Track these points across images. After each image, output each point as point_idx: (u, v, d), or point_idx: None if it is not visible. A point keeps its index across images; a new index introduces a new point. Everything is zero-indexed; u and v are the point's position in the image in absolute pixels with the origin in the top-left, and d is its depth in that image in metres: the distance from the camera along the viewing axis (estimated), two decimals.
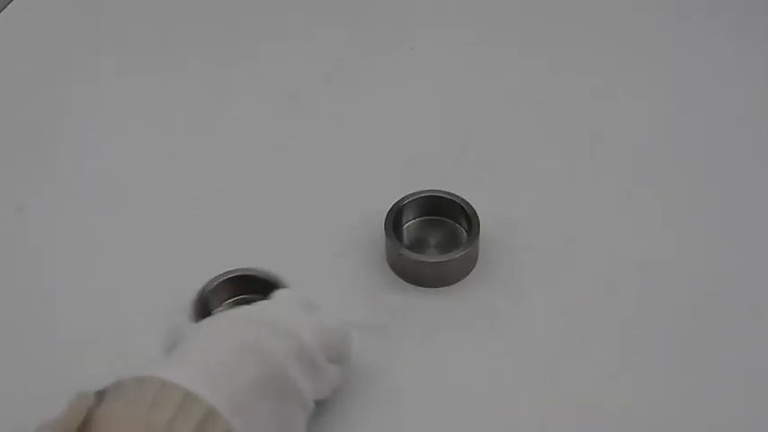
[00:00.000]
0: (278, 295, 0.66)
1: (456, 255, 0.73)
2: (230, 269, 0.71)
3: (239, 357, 0.60)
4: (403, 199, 0.75)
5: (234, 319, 0.63)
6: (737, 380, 0.69)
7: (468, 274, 0.74)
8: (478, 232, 0.74)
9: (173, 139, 0.84)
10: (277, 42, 0.91)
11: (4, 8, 0.92)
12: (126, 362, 0.68)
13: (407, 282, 0.74)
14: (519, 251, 0.76)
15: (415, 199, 0.76)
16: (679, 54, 0.89)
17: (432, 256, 0.74)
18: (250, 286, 0.71)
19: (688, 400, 0.68)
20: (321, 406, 0.64)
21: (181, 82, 0.88)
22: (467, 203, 0.75)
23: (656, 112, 0.86)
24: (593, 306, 0.73)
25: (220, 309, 0.71)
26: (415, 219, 0.77)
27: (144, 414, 0.55)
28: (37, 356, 0.69)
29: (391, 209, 0.75)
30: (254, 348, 0.60)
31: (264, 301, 0.65)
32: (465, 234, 0.75)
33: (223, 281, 0.71)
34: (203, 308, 0.70)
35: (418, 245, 0.75)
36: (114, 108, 0.86)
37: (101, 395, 0.58)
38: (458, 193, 0.76)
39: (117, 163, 0.82)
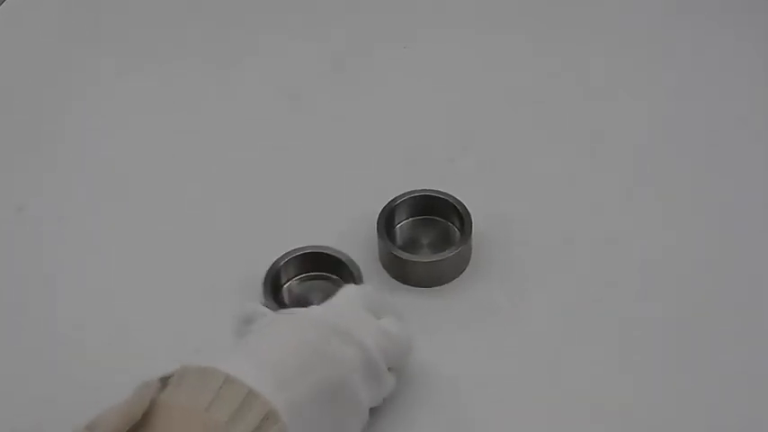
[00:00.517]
0: (347, 294, 0.66)
1: (449, 254, 0.73)
2: (299, 246, 0.73)
3: (305, 361, 0.60)
4: (395, 199, 0.75)
5: (303, 320, 0.63)
6: (737, 380, 0.69)
7: (461, 273, 0.74)
8: (471, 231, 0.73)
9: (172, 139, 0.84)
10: (275, 42, 0.91)
11: (2, 2, 0.91)
12: (126, 362, 0.69)
13: (400, 282, 0.74)
14: (513, 250, 0.76)
15: (407, 199, 0.76)
16: (679, 54, 0.89)
17: (424, 256, 0.74)
18: (319, 263, 0.73)
19: (688, 400, 0.68)
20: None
21: (180, 81, 0.88)
22: (459, 203, 0.75)
23: (656, 112, 0.86)
24: (591, 305, 0.73)
25: (289, 284, 0.73)
26: (407, 219, 0.76)
27: (204, 409, 0.55)
28: (37, 356, 0.69)
29: (384, 209, 0.74)
30: (321, 354, 0.61)
31: (334, 301, 0.65)
32: (458, 233, 0.75)
33: (293, 257, 0.72)
34: (275, 282, 0.72)
35: (411, 245, 0.75)
36: (114, 107, 0.86)
37: (164, 381, 0.58)
38: (453, 193, 0.76)
39: (117, 162, 0.82)
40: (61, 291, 0.74)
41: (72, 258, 0.76)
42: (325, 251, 0.73)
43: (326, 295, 0.72)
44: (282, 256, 0.72)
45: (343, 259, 0.72)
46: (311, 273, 0.73)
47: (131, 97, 0.87)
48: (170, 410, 0.56)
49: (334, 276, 0.73)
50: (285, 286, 0.73)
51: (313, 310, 0.64)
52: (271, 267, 0.71)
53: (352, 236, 0.75)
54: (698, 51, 0.89)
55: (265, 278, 0.71)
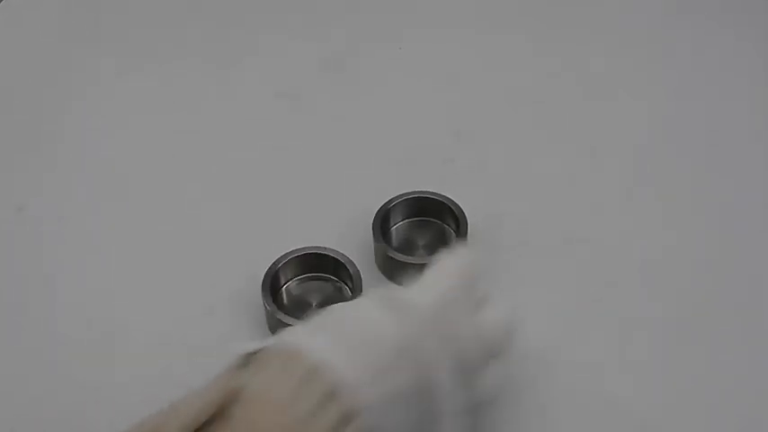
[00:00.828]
0: (447, 272, 0.62)
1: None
2: (297, 247, 0.72)
3: (395, 356, 0.57)
4: (390, 201, 0.75)
5: (403, 310, 0.59)
6: (738, 380, 0.69)
7: None
8: (467, 233, 0.73)
9: (171, 139, 0.84)
10: (274, 42, 0.91)
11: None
12: (126, 361, 0.69)
13: (396, 283, 0.73)
14: (509, 251, 0.76)
15: (402, 200, 0.75)
16: (679, 54, 0.89)
17: (419, 258, 0.74)
18: (318, 264, 0.73)
19: (687, 399, 0.68)
20: None
21: (180, 81, 0.88)
22: (455, 204, 0.75)
23: (656, 112, 0.85)
24: (590, 306, 0.73)
25: (288, 285, 0.73)
26: (403, 220, 0.76)
27: (285, 401, 0.54)
28: (37, 356, 0.69)
29: (379, 210, 0.74)
30: (414, 351, 0.57)
31: (432, 281, 0.62)
32: (454, 235, 0.75)
33: (292, 258, 0.72)
34: (273, 283, 0.71)
35: (407, 246, 0.75)
36: (114, 107, 0.86)
37: (248, 359, 0.56)
38: (450, 194, 0.76)
39: (117, 162, 0.82)
40: (61, 291, 0.73)
41: (72, 258, 0.75)
42: (323, 252, 0.73)
43: (325, 296, 0.73)
44: (281, 258, 0.72)
45: (342, 260, 0.72)
46: (310, 274, 0.73)
47: (131, 97, 0.87)
48: (249, 401, 0.54)
49: (333, 277, 0.73)
50: (284, 287, 0.73)
51: (413, 297, 0.60)
52: (269, 268, 0.71)
53: (351, 236, 0.75)
54: (698, 51, 0.89)
55: (264, 279, 0.71)
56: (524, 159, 0.83)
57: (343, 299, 0.72)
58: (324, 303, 0.72)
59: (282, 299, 0.73)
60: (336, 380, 0.54)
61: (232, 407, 0.53)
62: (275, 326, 0.70)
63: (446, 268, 0.63)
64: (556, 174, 0.81)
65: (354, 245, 0.74)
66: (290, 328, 0.60)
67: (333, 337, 0.57)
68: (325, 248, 0.73)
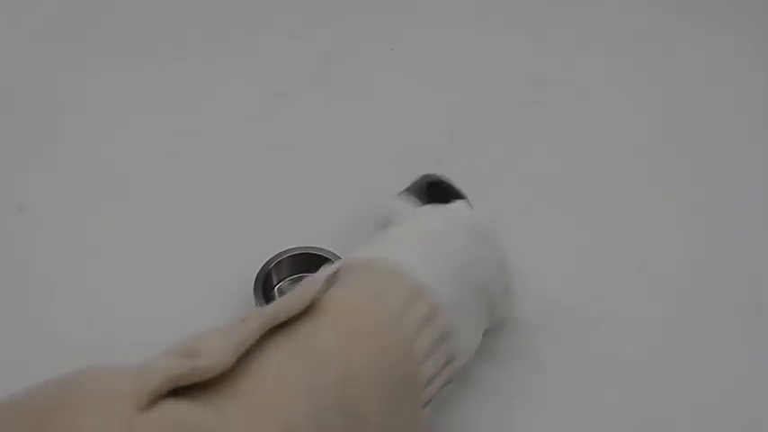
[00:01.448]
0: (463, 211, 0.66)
1: None
2: (290, 247, 0.73)
3: (464, 261, 0.61)
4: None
5: (463, 220, 0.64)
6: (738, 380, 0.69)
7: None
8: None
9: (168, 139, 0.84)
10: (272, 42, 0.91)
11: None
12: (123, 359, 0.69)
13: None
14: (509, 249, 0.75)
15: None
16: (679, 54, 0.89)
17: None
18: (310, 264, 0.73)
19: (688, 399, 0.68)
20: None
21: (177, 81, 0.88)
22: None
23: (656, 112, 0.85)
24: (589, 306, 0.73)
25: (280, 284, 0.73)
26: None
27: (372, 301, 0.56)
28: (37, 356, 0.69)
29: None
30: (475, 256, 0.62)
31: (464, 208, 0.66)
32: None
33: (284, 258, 0.73)
34: (266, 283, 0.72)
35: None
36: (113, 107, 0.86)
37: (330, 280, 0.58)
38: None
39: (117, 162, 0.82)
40: (62, 290, 0.73)
41: (71, 258, 0.75)
42: (315, 252, 0.73)
43: None
44: (274, 257, 0.72)
45: (334, 260, 0.72)
46: (302, 273, 0.73)
47: (129, 97, 0.87)
48: (340, 301, 0.56)
49: None
50: (276, 287, 0.73)
51: (462, 208, 0.66)
52: (262, 268, 0.71)
53: (343, 236, 0.75)
54: (698, 51, 0.89)
55: (256, 279, 0.71)
56: (520, 158, 0.83)
57: None
58: None
59: (275, 298, 0.72)
60: (418, 281, 0.57)
61: (319, 306, 0.55)
62: None
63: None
64: (552, 174, 0.81)
65: (347, 245, 0.74)
66: (365, 243, 0.63)
67: (410, 247, 0.61)
68: (317, 248, 0.73)
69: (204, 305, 0.72)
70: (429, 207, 0.67)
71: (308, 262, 0.73)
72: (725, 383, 0.69)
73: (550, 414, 0.67)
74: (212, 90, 0.88)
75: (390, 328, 0.56)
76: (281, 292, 0.73)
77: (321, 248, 0.73)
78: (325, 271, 0.59)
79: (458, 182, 0.79)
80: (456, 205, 0.66)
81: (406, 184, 0.75)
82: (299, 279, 0.73)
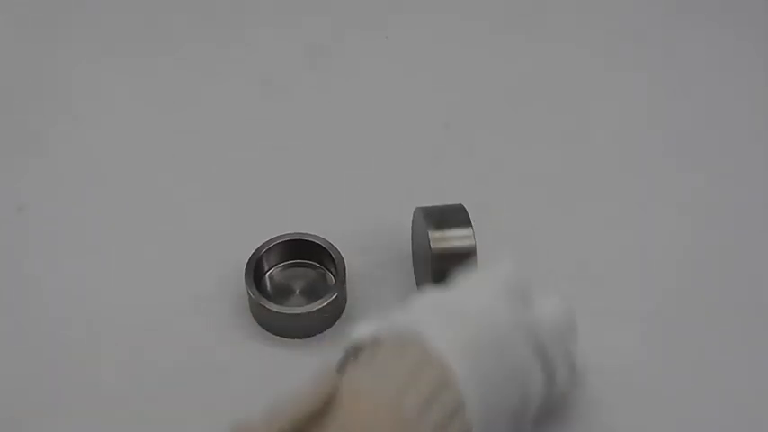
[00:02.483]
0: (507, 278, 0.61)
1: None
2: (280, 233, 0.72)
3: (504, 346, 0.57)
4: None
5: (508, 305, 0.58)
6: (736, 377, 0.69)
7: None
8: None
9: (160, 129, 0.84)
10: (259, 33, 0.91)
11: None
12: (129, 362, 0.69)
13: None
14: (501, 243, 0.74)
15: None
16: (679, 54, 0.88)
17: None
18: (301, 251, 0.73)
19: (683, 399, 0.68)
20: None
21: (169, 75, 0.88)
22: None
23: (656, 112, 0.85)
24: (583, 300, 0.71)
25: (271, 271, 0.73)
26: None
27: (394, 394, 0.53)
28: (37, 357, 0.69)
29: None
30: (515, 341, 0.57)
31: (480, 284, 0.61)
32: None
33: (275, 245, 0.72)
34: (257, 269, 0.71)
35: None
36: (108, 97, 0.86)
37: (354, 353, 0.56)
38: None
39: (105, 153, 0.83)
40: (61, 290, 0.73)
41: (72, 258, 0.75)
42: (306, 238, 0.72)
43: (308, 283, 0.73)
44: (264, 244, 0.72)
45: (325, 246, 0.72)
46: (293, 260, 0.73)
47: (116, 89, 0.87)
48: (355, 400, 0.53)
49: (317, 264, 0.73)
50: (267, 274, 0.73)
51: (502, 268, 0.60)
52: (252, 255, 0.71)
53: (335, 223, 0.75)
54: (698, 51, 0.88)
55: (247, 266, 0.71)
56: (515, 151, 0.82)
57: (326, 285, 0.72)
58: (307, 290, 0.72)
59: (266, 285, 0.72)
60: (447, 369, 0.54)
61: (336, 405, 0.52)
62: (258, 313, 0.70)
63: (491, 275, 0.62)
64: (548, 167, 0.81)
65: (338, 231, 0.74)
66: (402, 310, 0.58)
67: (450, 319, 0.56)
68: (309, 234, 0.72)
69: (195, 292, 0.72)
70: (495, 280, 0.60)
71: (299, 248, 0.73)
72: (723, 381, 0.68)
73: None
74: (200, 81, 0.88)
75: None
76: (272, 279, 0.73)
77: (313, 235, 0.72)
78: (351, 341, 0.57)
79: (454, 173, 0.80)
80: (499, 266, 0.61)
81: (400, 173, 0.76)
82: (290, 266, 0.73)
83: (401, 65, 0.89)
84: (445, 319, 0.57)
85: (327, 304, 0.69)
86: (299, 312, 0.69)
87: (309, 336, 0.68)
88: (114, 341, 0.71)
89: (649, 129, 0.84)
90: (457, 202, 0.72)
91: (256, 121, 0.85)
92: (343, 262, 0.71)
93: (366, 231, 0.76)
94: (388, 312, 0.58)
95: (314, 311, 0.69)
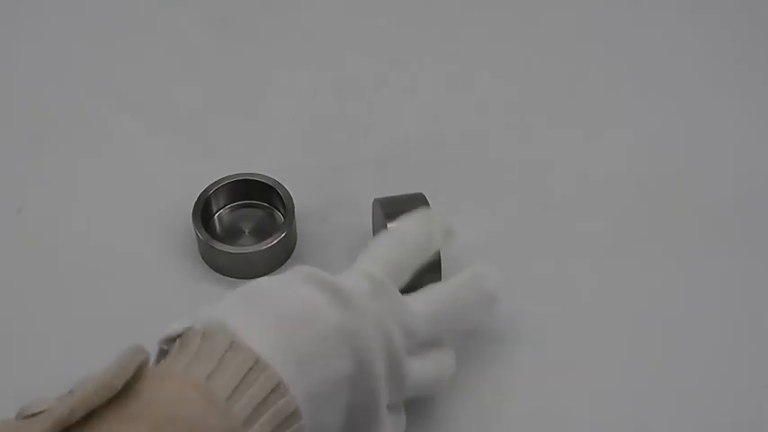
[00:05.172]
0: (391, 247, 0.61)
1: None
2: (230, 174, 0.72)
3: (327, 343, 0.54)
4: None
5: (336, 292, 0.56)
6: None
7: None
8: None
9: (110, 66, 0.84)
10: None
11: None
12: (78, 301, 0.69)
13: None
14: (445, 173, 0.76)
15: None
16: (679, 54, 0.86)
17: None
18: (250, 191, 0.72)
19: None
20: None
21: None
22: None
23: (656, 110, 0.82)
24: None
25: (220, 212, 0.73)
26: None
27: (204, 378, 0.51)
28: (37, 357, 0.68)
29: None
30: (345, 333, 0.54)
31: (372, 259, 0.60)
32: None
33: (223, 186, 0.72)
34: (205, 211, 0.71)
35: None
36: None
37: (168, 343, 0.54)
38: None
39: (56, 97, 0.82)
40: (61, 290, 0.71)
41: (72, 258, 0.73)
42: (256, 178, 0.72)
43: (258, 223, 0.72)
44: (212, 184, 0.72)
45: (273, 185, 0.71)
46: (241, 201, 0.73)
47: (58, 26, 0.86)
48: (162, 379, 0.50)
49: (265, 204, 0.73)
50: (216, 215, 0.73)
51: (348, 281, 0.57)
52: (199, 197, 0.71)
53: (283, 163, 0.75)
54: (699, 51, 0.85)
55: (194, 207, 0.70)
56: (468, 80, 0.83)
57: (275, 224, 0.72)
58: (256, 230, 0.72)
59: (215, 227, 0.72)
60: (259, 356, 0.52)
61: (138, 386, 0.49)
62: (208, 254, 0.70)
63: (390, 243, 0.62)
64: (491, 98, 0.81)
65: (286, 171, 0.73)
66: (215, 303, 0.56)
67: (260, 314, 0.54)
68: (258, 174, 0.72)
69: (143, 234, 0.72)
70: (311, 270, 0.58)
71: (248, 188, 0.72)
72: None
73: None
74: (153, 18, 0.87)
75: (214, 417, 0.50)
76: (221, 221, 0.73)
77: (260, 174, 0.72)
78: (161, 338, 0.55)
79: (397, 107, 0.79)
80: (352, 273, 0.59)
81: (345, 109, 0.75)
82: (239, 207, 0.73)
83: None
84: (250, 306, 0.55)
85: (276, 243, 0.69)
86: (247, 252, 0.69)
87: (259, 276, 0.67)
88: (62, 280, 0.71)
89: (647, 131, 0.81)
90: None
91: (205, 61, 0.84)
92: (292, 200, 0.71)
93: (317, 170, 0.76)
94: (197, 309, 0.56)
95: (262, 250, 0.69)
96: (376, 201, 0.69)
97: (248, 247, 0.69)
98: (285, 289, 0.57)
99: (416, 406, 0.63)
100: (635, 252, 0.72)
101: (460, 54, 0.85)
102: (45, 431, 0.46)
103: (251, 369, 0.51)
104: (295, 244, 0.72)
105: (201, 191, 0.71)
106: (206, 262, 0.71)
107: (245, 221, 0.73)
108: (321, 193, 0.74)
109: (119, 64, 0.84)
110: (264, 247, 0.69)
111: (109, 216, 0.74)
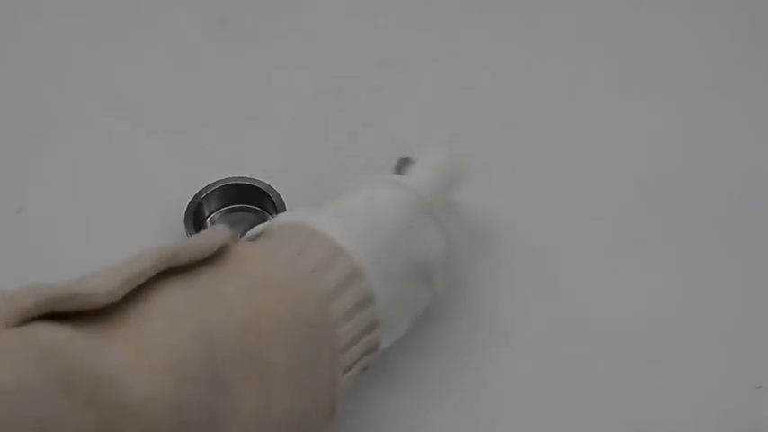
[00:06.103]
0: (439, 167, 0.65)
1: None
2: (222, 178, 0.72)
3: (400, 236, 0.59)
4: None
5: (407, 194, 0.62)
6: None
7: None
8: None
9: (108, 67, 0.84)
10: None
11: None
12: None
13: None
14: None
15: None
16: (679, 54, 0.86)
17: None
18: (242, 195, 0.73)
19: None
20: None
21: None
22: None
23: (655, 110, 0.82)
24: None
25: (212, 216, 0.73)
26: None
27: (285, 257, 0.54)
28: None
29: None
30: (415, 232, 0.60)
31: (425, 173, 0.64)
32: None
33: (215, 190, 0.72)
34: (197, 215, 0.71)
35: None
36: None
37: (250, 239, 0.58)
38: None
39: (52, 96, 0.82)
40: None
41: (72, 258, 0.73)
42: (248, 183, 0.72)
43: (250, 227, 0.71)
44: (205, 188, 0.72)
45: (264, 189, 0.71)
46: (234, 205, 0.73)
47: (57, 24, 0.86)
48: (248, 256, 0.54)
49: (257, 207, 0.73)
50: (208, 219, 0.73)
51: (414, 180, 0.63)
52: (192, 201, 0.71)
53: (276, 167, 0.75)
54: (698, 51, 0.85)
55: (186, 211, 0.70)
56: (465, 77, 0.83)
57: None
58: None
59: None
60: (340, 244, 0.56)
61: (227, 257, 0.52)
62: None
63: (438, 164, 0.65)
64: (491, 98, 0.81)
65: (279, 175, 0.73)
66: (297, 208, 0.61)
67: (340, 215, 0.59)
68: (250, 179, 0.72)
69: (135, 237, 0.72)
70: (382, 177, 0.64)
71: (240, 193, 0.72)
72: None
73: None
74: (153, 18, 0.87)
75: (302, 283, 0.54)
76: (213, 225, 0.73)
77: (251, 178, 0.72)
78: (247, 233, 0.59)
79: (388, 112, 0.79)
80: (411, 176, 0.64)
81: (340, 113, 0.75)
82: (232, 211, 0.73)
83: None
84: (330, 211, 0.59)
85: None
86: None
87: None
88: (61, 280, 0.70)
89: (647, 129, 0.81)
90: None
91: (201, 64, 0.84)
92: (284, 205, 0.71)
93: (317, 170, 0.76)
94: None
95: None
96: None
97: None
98: (355, 192, 0.62)
99: (414, 406, 0.63)
100: (635, 252, 0.72)
101: (460, 54, 0.85)
102: (155, 263, 0.48)
103: (332, 253, 0.55)
104: None
105: (194, 195, 0.71)
106: None
107: (237, 226, 0.72)
108: (321, 194, 0.74)
109: (118, 64, 0.84)
110: None
111: (109, 216, 0.75)
